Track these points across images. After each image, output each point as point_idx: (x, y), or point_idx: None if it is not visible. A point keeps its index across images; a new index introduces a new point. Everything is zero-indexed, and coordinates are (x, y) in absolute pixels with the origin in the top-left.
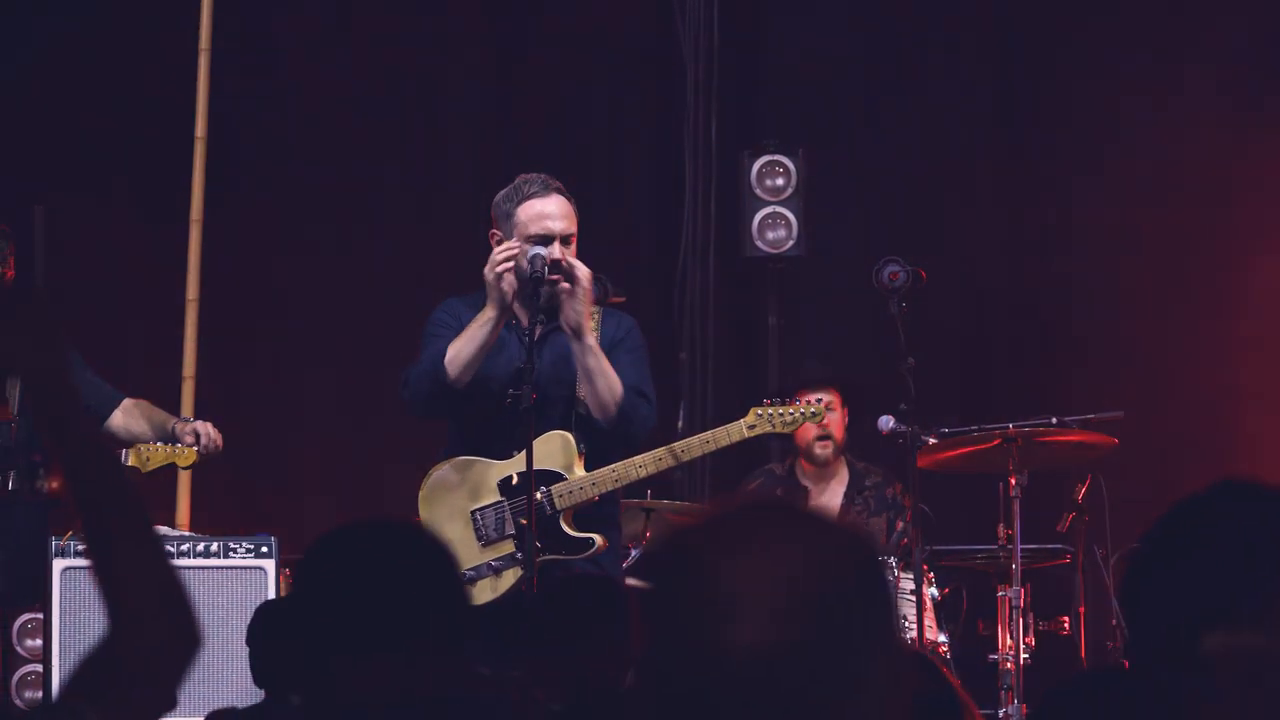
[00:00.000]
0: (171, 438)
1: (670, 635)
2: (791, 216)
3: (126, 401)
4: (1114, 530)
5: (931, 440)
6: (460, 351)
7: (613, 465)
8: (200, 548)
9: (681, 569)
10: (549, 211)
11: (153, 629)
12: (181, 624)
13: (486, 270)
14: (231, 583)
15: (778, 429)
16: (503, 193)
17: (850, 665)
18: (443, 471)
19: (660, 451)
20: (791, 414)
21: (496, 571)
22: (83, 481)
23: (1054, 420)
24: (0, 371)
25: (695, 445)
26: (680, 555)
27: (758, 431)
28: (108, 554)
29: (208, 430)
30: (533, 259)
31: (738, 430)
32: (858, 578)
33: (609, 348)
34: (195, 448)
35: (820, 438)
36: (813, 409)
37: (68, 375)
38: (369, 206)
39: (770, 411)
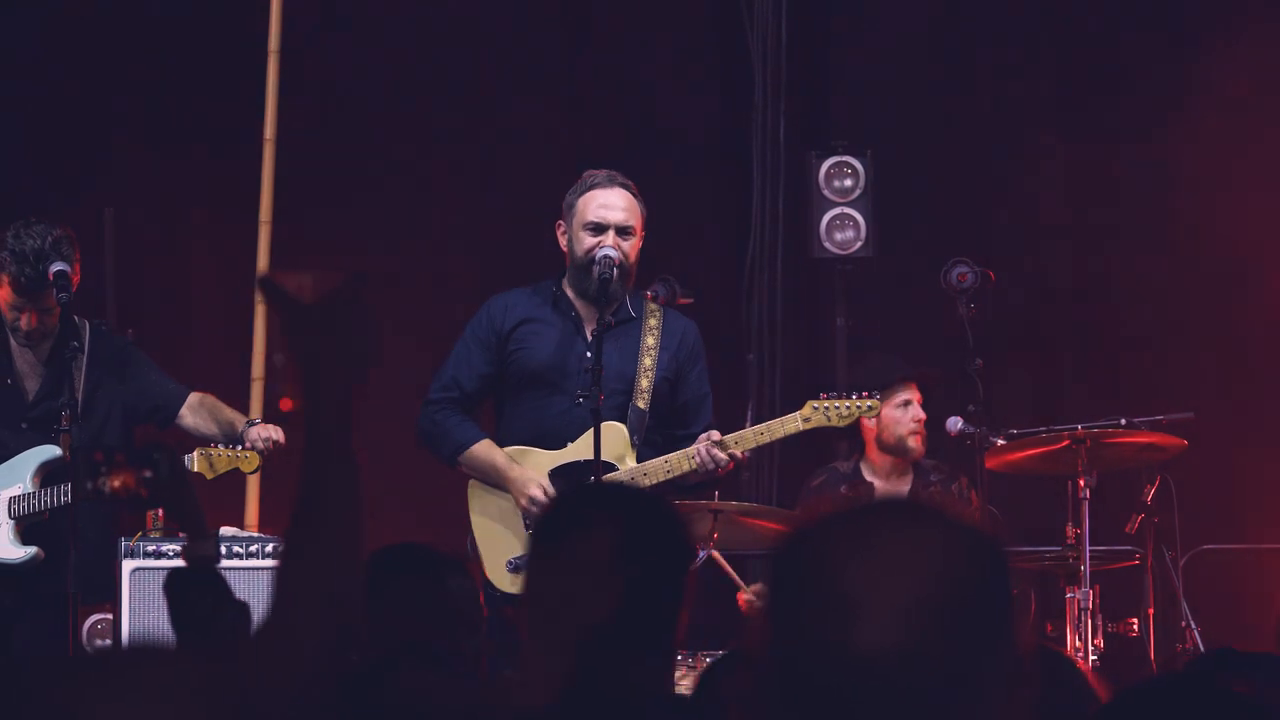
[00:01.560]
0: (238, 440)
1: (793, 634)
2: (860, 218)
3: (193, 397)
4: (1183, 532)
5: (1000, 441)
6: (475, 469)
7: (665, 456)
8: (269, 549)
9: (805, 568)
10: (607, 201)
11: (295, 649)
12: (321, 658)
13: (522, 500)
14: None
15: (833, 423)
16: (572, 187)
17: (975, 667)
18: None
19: (724, 440)
20: (848, 408)
21: None
22: (319, 486)
23: (1123, 421)
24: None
25: (749, 437)
26: (805, 554)
27: (813, 425)
28: (299, 561)
29: (269, 435)
30: (601, 259)
31: (793, 423)
32: (984, 580)
33: (678, 366)
34: (259, 451)
35: (913, 432)
36: (868, 403)
37: (359, 375)
38: (436, 208)
39: (826, 405)
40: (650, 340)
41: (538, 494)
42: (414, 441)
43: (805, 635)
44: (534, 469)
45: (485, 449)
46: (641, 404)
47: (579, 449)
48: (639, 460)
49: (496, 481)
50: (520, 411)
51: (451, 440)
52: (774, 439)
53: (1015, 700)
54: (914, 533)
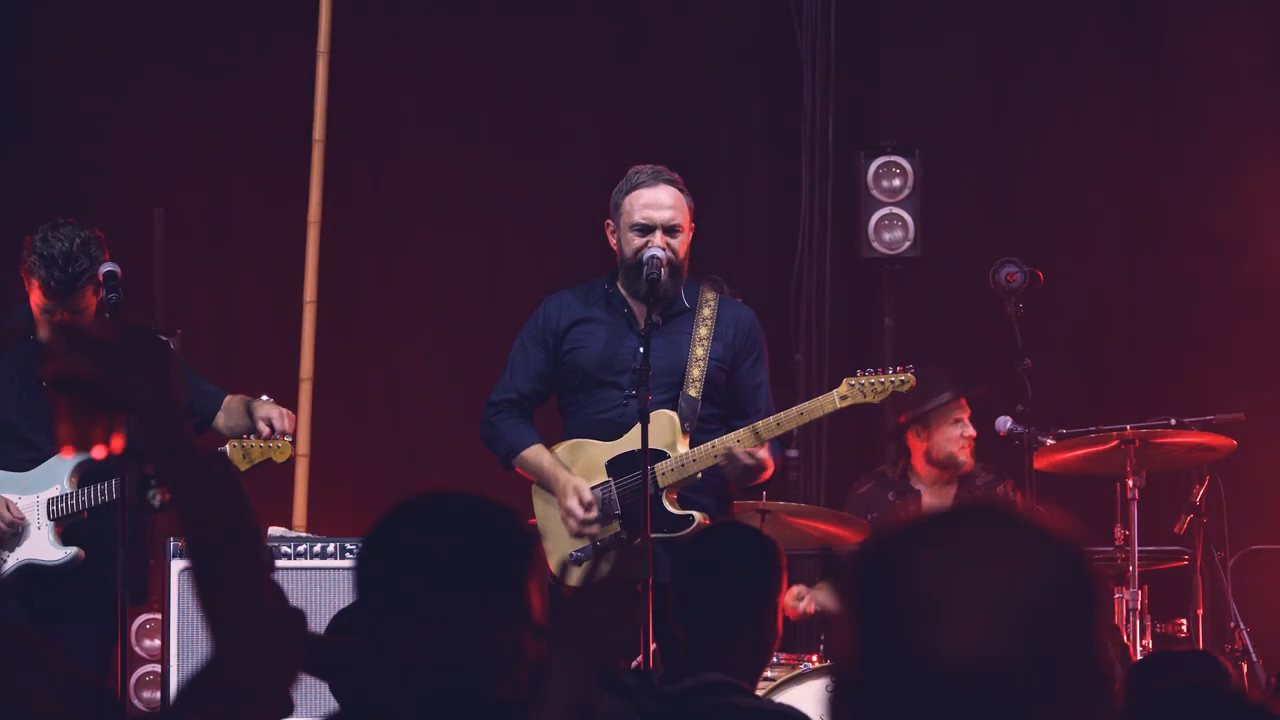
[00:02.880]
0: (253, 421)
1: (875, 639)
2: (908, 218)
3: (227, 399)
4: (1232, 532)
5: (1049, 441)
6: (528, 471)
7: (712, 442)
8: (317, 549)
9: (889, 571)
10: (653, 200)
11: (253, 646)
12: (282, 637)
13: (564, 515)
14: (348, 584)
15: (869, 398)
16: (617, 185)
17: (1058, 673)
18: (556, 454)
19: (756, 425)
20: (883, 383)
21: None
22: (186, 501)
23: (1172, 421)
24: (115, 407)
25: (791, 418)
26: (888, 557)
27: (850, 402)
28: (209, 573)
29: (280, 415)
30: (649, 260)
31: (830, 401)
32: (1069, 587)
33: (733, 354)
34: (273, 440)
35: (964, 448)
36: (903, 377)
37: (177, 405)
38: (487, 206)
39: (862, 381)
40: (703, 330)
41: (573, 505)
42: (477, 441)
43: (889, 639)
44: (589, 460)
45: (535, 453)
46: (693, 392)
47: (633, 439)
48: (692, 447)
49: (545, 484)
50: (579, 407)
51: (505, 443)
52: (813, 418)
53: (1098, 709)
54: (999, 535)
